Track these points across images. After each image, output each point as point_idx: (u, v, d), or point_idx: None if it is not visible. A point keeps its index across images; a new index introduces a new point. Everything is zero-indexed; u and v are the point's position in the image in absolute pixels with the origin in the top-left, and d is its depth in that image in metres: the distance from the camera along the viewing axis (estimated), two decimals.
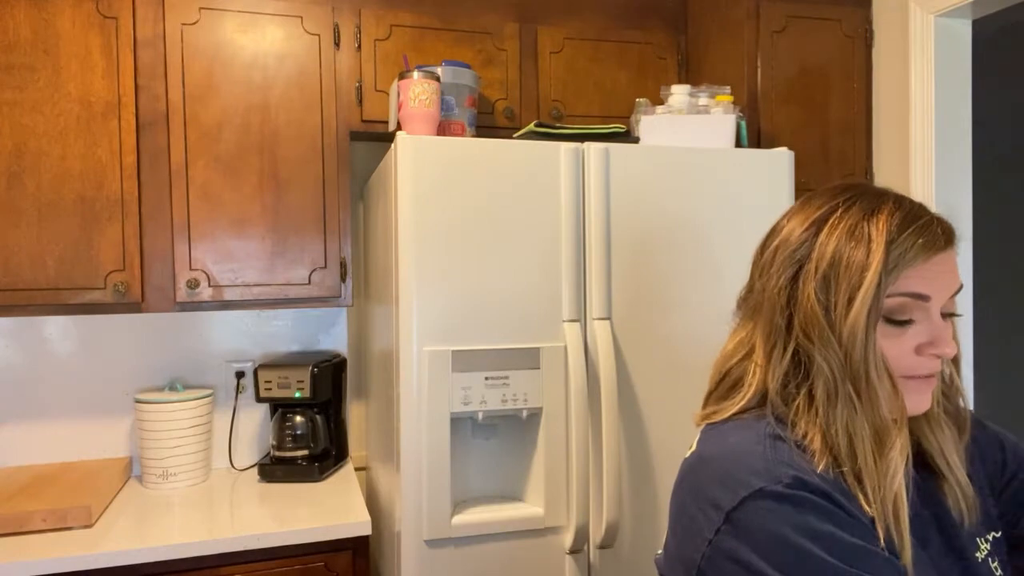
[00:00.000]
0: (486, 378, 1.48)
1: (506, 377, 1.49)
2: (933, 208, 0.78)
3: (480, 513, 1.50)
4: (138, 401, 1.90)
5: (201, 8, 1.80)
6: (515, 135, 1.71)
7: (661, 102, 1.85)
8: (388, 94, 1.85)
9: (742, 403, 0.77)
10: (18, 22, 1.68)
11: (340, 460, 2.07)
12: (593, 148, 1.55)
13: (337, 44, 1.89)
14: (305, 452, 1.96)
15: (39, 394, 1.98)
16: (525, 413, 1.52)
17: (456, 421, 1.50)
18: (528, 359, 1.50)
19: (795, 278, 0.74)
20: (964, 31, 1.87)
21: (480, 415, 1.48)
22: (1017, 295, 2.74)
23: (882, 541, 0.67)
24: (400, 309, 1.46)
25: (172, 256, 1.79)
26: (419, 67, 1.74)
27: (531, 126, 1.67)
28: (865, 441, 0.70)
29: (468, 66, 1.86)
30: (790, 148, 1.70)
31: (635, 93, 2.08)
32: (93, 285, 1.73)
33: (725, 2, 2.02)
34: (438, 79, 1.71)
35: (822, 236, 0.73)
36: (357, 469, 2.12)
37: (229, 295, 1.82)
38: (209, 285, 1.80)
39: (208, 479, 1.98)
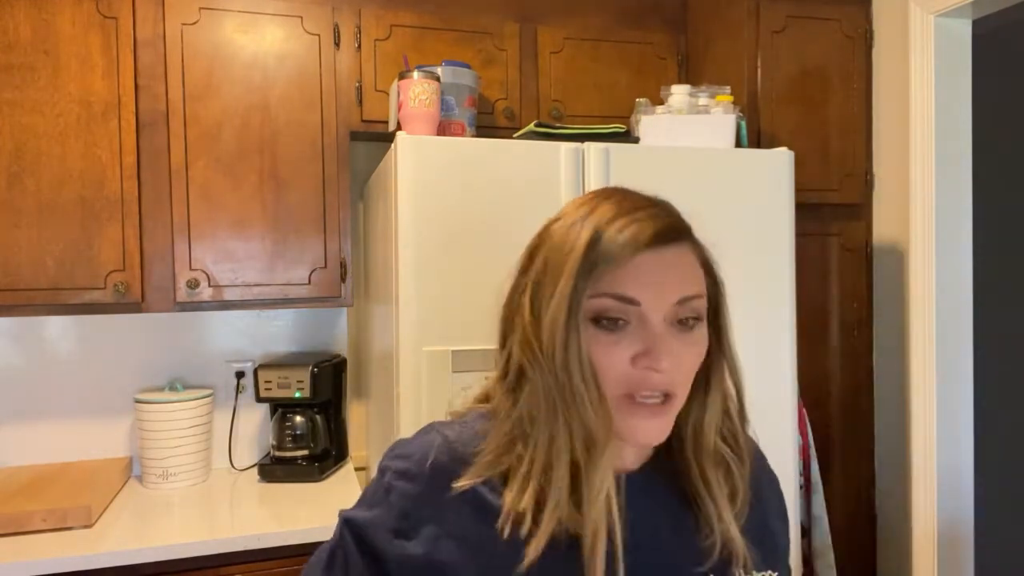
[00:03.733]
0: (486, 378, 1.47)
1: None
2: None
3: None
4: (138, 401, 1.90)
5: (201, 8, 1.80)
6: (515, 135, 1.71)
7: (661, 102, 1.85)
8: (388, 94, 1.85)
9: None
10: (18, 22, 1.68)
11: (340, 460, 2.07)
12: (593, 148, 1.55)
13: (337, 44, 1.89)
14: (305, 452, 1.95)
15: (39, 394, 1.98)
16: None
17: None
18: None
19: (523, 272, 0.73)
20: (964, 31, 1.87)
21: None
22: (1018, 295, 2.74)
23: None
24: (400, 309, 1.46)
25: (172, 256, 1.79)
26: (419, 67, 1.74)
27: (531, 126, 1.67)
28: (561, 461, 0.65)
29: (468, 66, 1.86)
30: (790, 148, 1.69)
31: (635, 93, 2.07)
32: (93, 285, 1.73)
33: (725, 2, 2.02)
34: (438, 79, 1.71)
35: (549, 230, 0.71)
36: (357, 469, 2.12)
37: (229, 295, 1.82)
38: (209, 285, 1.80)
39: (208, 479, 1.98)
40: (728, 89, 1.83)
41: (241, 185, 1.82)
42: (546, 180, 1.52)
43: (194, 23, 1.80)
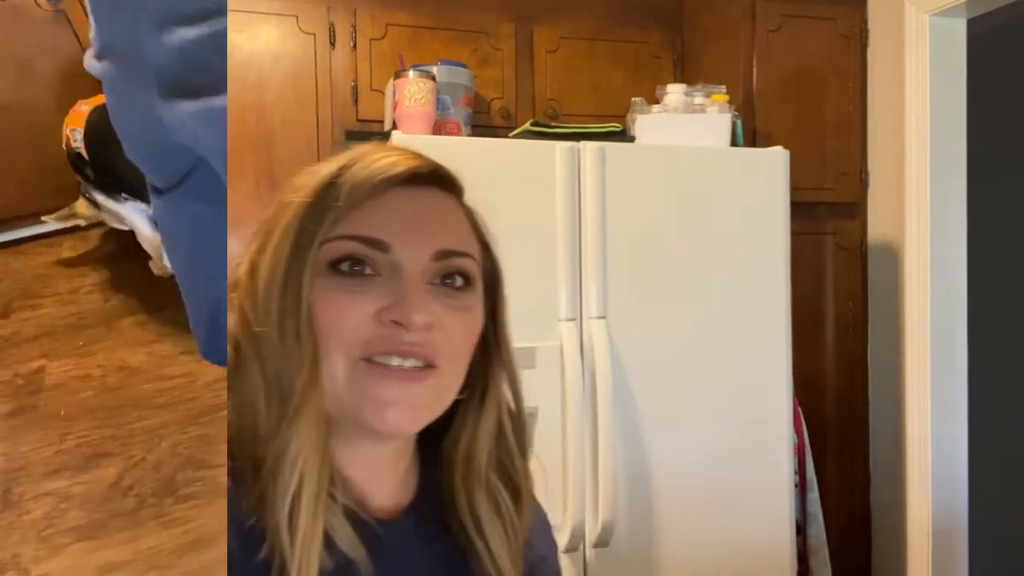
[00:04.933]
0: None
1: None
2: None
3: None
4: None
5: None
6: (511, 134, 1.71)
7: (657, 101, 1.85)
8: (384, 93, 1.85)
9: None
10: None
11: None
12: (589, 147, 1.55)
13: (332, 43, 1.89)
14: None
15: None
16: None
17: None
18: (524, 358, 1.47)
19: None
20: (959, 30, 1.88)
21: None
22: (1014, 294, 2.75)
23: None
24: None
25: None
26: (415, 66, 1.74)
27: (527, 125, 1.68)
28: (269, 415, 0.50)
29: (464, 65, 1.86)
30: (785, 147, 1.69)
31: (631, 92, 2.07)
32: None
33: (721, 1, 2.03)
34: (434, 78, 1.71)
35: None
36: None
37: None
38: None
39: None
40: (724, 88, 1.83)
41: (237, 185, 1.82)
42: (542, 179, 1.52)
43: None
